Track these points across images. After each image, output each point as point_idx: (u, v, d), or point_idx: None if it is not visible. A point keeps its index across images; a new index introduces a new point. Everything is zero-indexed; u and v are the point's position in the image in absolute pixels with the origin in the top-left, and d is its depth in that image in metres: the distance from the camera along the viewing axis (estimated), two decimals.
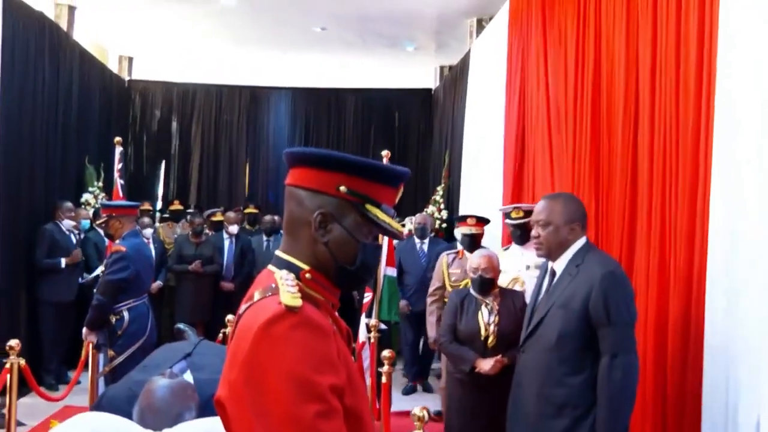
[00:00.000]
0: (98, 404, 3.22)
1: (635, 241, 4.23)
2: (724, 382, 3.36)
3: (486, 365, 4.26)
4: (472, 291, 4.56)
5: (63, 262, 7.85)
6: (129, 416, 2.86)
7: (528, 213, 5.90)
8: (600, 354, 3.20)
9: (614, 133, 4.59)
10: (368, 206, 1.71)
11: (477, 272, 4.50)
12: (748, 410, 3.11)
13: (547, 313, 3.38)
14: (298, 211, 1.73)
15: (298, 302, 1.57)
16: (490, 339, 4.35)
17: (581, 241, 3.40)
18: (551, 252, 3.42)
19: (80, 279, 8.18)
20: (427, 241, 8.48)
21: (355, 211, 1.71)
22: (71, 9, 9.69)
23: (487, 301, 4.46)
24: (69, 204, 8.20)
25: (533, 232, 3.47)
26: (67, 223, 8.05)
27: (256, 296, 1.67)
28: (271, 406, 1.51)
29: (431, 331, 6.26)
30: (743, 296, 3.17)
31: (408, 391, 8.26)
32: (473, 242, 6.35)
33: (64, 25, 9.42)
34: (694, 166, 3.65)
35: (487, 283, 4.48)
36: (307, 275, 1.71)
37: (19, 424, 6.22)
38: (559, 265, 3.42)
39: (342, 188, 1.68)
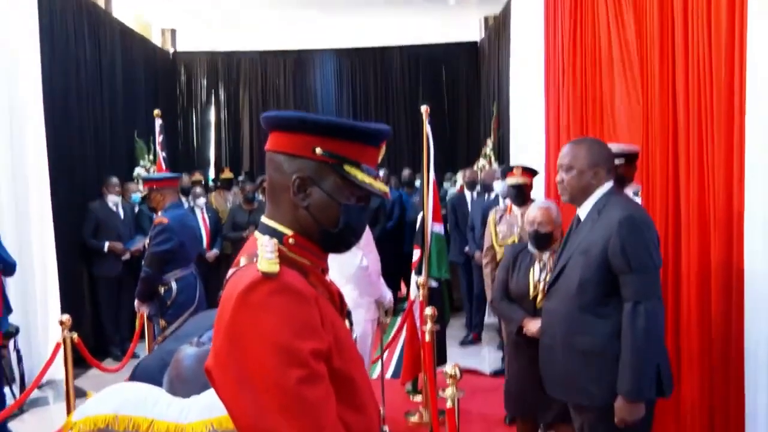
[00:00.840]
0: (133, 374, 3.28)
1: (679, 185, 4.08)
2: (765, 328, 3.30)
3: (533, 326, 3.97)
4: (529, 246, 4.28)
5: (106, 246, 7.86)
6: (161, 385, 2.91)
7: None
8: (623, 301, 3.11)
9: (653, 76, 4.42)
10: (347, 167, 1.67)
11: (533, 225, 4.19)
12: None
13: (569, 260, 3.30)
14: (277, 176, 1.71)
15: (275, 268, 1.56)
16: (539, 298, 4.08)
17: (606, 187, 3.28)
18: (574, 197, 3.32)
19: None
20: (475, 193, 8.55)
21: (334, 173, 1.67)
22: None
23: (543, 258, 4.17)
24: (115, 179, 8.19)
25: (557, 177, 3.37)
26: (112, 199, 8.04)
27: (242, 263, 1.67)
28: (254, 374, 1.51)
29: (489, 292, 6.14)
30: None
31: (465, 342, 8.35)
32: (520, 194, 5.96)
33: (102, 3, 9.48)
34: (728, 101, 3.53)
35: (542, 238, 4.16)
36: (291, 240, 1.69)
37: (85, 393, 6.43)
38: (583, 210, 3.32)
39: (318, 150, 1.65)
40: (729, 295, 3.59)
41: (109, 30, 9.39)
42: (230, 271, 1.70)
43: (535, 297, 4.13)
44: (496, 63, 10.82)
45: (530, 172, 6.06)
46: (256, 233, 1.75)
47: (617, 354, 3.11)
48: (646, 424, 3.23)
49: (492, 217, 6.20)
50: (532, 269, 4.19)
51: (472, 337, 8.40)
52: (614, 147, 4.44)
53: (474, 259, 7.85)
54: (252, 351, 1.52)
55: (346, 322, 1.82)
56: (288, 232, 1.70)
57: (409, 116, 13.20)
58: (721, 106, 3.60)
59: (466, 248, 8.22)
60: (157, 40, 12.37)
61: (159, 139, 8.41)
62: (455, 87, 13.35)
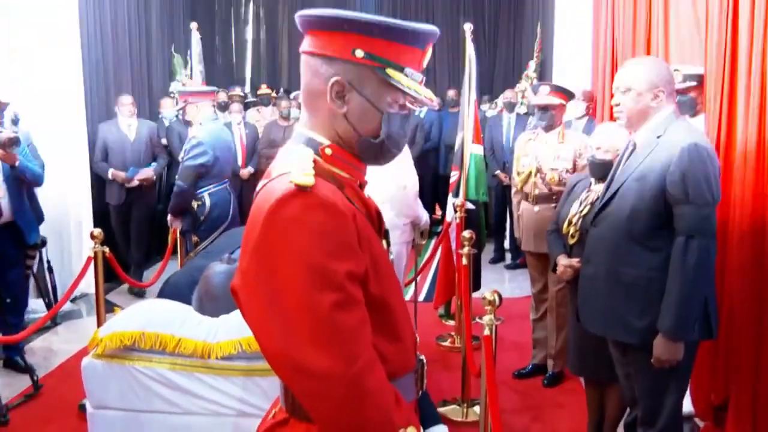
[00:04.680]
0: (162, 290, 3.21)
1: (736, 118, 3.83)
2: None
3: (560, 266, 3.76)
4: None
5: (110, 173, 7.39)
6: (190, 302, 2.83)
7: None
8: (675, 234, 2.93)
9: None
10: (389, 71, 1.52)
11: (592, 149, 3.75)
12: None
13: (622, 186, 3.10)
14: (313, 81, 1.56)
15: (309, 180, 1.42)
16: (571, 233, 3.77)
17: (666, 111, 3.04)
18: (632, 121, 3.09)
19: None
20: (514, 116, 8.38)
21: (375, 77, 1.52)
22: None
23: (595, 188, 3.70)
24: (127, 97, 7.56)
25: (613, 100, 3.14)
26: (124, 121, 7.47)
27: (273, 174, 1.53)
28: (285, 296, 1.39)
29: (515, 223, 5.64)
30: None
31: (511, 266, 8.47)
32: (546, 116, 5.10)
33: None
34: None
35: (599, 166, 3.68)
36: (327, 150, 1.56)
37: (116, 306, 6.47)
38: (640, 136, 3.10)
39: (358, 52, 1.50)
40: None
41: None
42: (260, 183, 1.56)
43: (568, 233, 3.82)
44: None
45: (562, 92, 5.20)
46: (290, 143, 1.61)
47: (663, 289, 2.94)
48: (685, 368, 3.08)
49: (519, 141, 5.44)
50: (576, 201, 3.84)
51: (520, 262, 8.29)
52: (686, 69, 4.20)
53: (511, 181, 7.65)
54: (282, 271, 1.39)
55: (384, 243, 1.69)
56: (324, 141, 1.57)
57: (450, 32, 12.80)
58: None
59: (497, 171, 8.05)
60: None
61: (197, 50, 8.22)
62: (497, 6, 12.95)
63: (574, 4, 7.66)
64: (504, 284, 7.81)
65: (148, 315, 2.74)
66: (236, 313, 2.68)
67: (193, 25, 8.34)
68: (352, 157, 1.59)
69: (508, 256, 8.82)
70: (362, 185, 1.66)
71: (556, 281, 4.75)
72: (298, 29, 1.60)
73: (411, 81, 1.54)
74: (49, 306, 5.92)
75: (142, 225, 7.77)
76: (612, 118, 3.24)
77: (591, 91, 6.80)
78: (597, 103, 6.53)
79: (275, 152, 5.82)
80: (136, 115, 7.69)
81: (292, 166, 1.46)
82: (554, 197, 4.95)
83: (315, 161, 1.50)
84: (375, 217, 1.66)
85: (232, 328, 2.60)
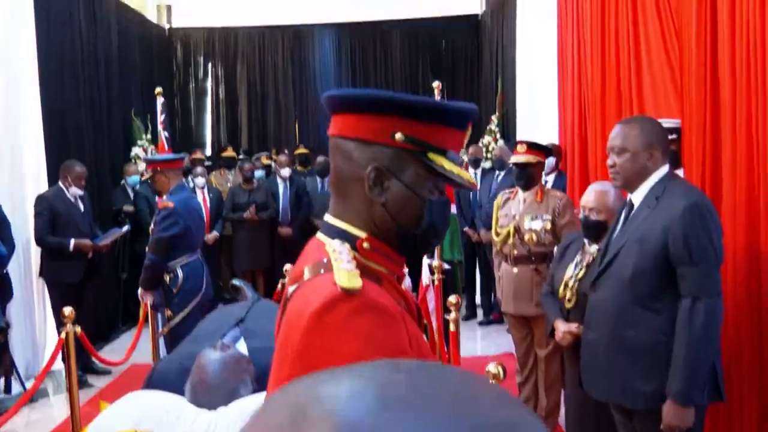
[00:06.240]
0: (149, 380, 3.03)
1: (720, 173, 3.81)
2: None
3: (559, 332, 3.66)
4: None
5: (71, 244, 6.38)
6: (181, 392, 2.67)
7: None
8: (679, 295, 2.87)
9: (687, 47, 4.12)
10: (431, 155, 1.40)
11: (584, 210, 3.68)
12: None
13: (622, 247, 3.03)
14: (346, 166, 1.44)
15: (357, 283, 1.29)
16: (568, 297, 3.71)
17: (663, 170, 3.02)
18: (629, 182, 3.06)
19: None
20: (479, 171, 8.38)
21: (415, 162, 1.41)
22: None
23: (590, 250, 3.67)
24: (80, 168, 6.65)
25: (608, 161, 3.09)
26: (74, 191, 6.58)
27: (307, 274, 1.39)
28: None
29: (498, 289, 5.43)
30: None
31: (484, 323, 8.26)
32: (526, 175, 4.98)
33: None
34: None
35: (593, 226, 3.64)
36: (365, 244, 1.43)
37: (88, 385, 6.23)
38: (638, 196, 3.06)
39: (398, 135, 1.38)
40: None
41: (104, 5, 9.02)
42: (290, 287, 1.42)
43: (565, 297, 3.73)
44: (499, 37, 10.55)
45: (540, 150, 5.14)
46: (321, 236, 1.48)
47: (669, 352, 2.87)
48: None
49: (497, 200, 5.29)
50: (571, 263, 3.77)
51: (493, 317, 8.19)
52: (665, 123, 4.15)
53: (480, 237, 7.57)
54: None
55: (424, 337, 1.57)
56: (361, 234, 1.44)
57: (410, 92, 12.87)
58: None
59: (465, 228, 7.98)
60: (152, 16, 12.00)
61: (161, 118, 8.11)
62: (455, 62, 13.04)
63: (536, 58, 7.71)
64: (477, 342, 7.70)
65: (140, 410, 2.56)
66: (235, 405, 2.52)
67: (158, 91, 8.21)
68: (390, 249, 1.46)
69: (480, 312, 8.71)
70: (400, 278, 1.53)
71: (543, 345, 4.68)
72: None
73: (453, 165, 1.43)
74: (7, 386, 5.66)
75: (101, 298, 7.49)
76: (606, 177, 3.19)
77: (558, 146, 6.78)
78: (567, 156, 6.53)
79: (240, 216, 5.71)
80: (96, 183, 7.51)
81: (334, 266, 1.33)
82: (533, 258, 4.88)
83: (354, 257, 1.38)
84: (415, 311, 1.53)
85: (231, 423, 2.45)
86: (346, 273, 1.31)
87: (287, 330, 1.35)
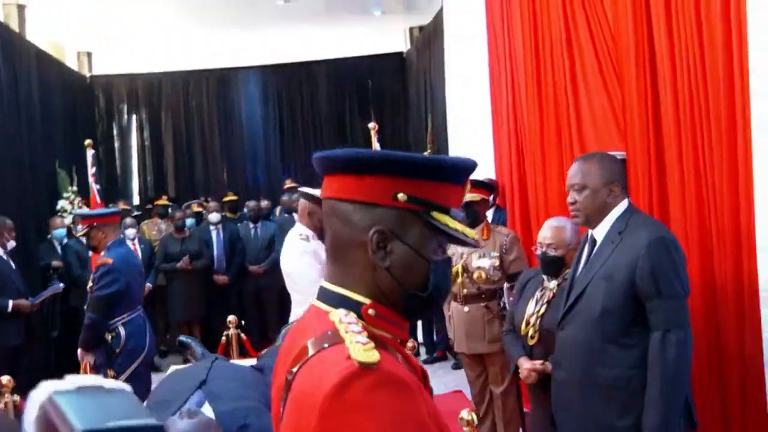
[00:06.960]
0: None
1: (667, 203, 3.84)
2: None
3: (523, 369, 3.66)
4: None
5: (10, 305, 6.12)
6: None
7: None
8: (649, 330, 2.88)
9: (627, 80, 4.17)
10: (434, 213, 1.35)
11: (542, 247, 3.68)
12: None
13: (588, 284, 3.04)
14: (345, 230, 1.37)
15: (374, 356, 1.21)
16: (530, 334, 3.70)
17: (623, 205, 3.05)
18: (590, 218, 3.07)
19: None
20: None
21: (419, 223, 1.35)
22: (21, 8, 9.12)
23: (549, 285, 3.69)
24: (8, 221, 6.50)
25: (569, 198, 3.10)
26: (11, 245, 6.40)
27: (311, 349, 1.29)
28: None
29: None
30: None
31: (428, 361, 8.18)
32: (471, 213, 4.95)
33: (15, 26, 8.89)
34: (729, 104, 3.29)
35: (551, 262, 3.67)
36: (370, 311, 1.35)
37: None
38: (600, 231, 3.07)
39: (401, 196, 1.32)
40: (741, 317, 3.34)
41: (24, 54, 8.77)
42: (293, 363, 1.32)
43: (527, 335, 3.72)
44: (427, 74, 10.64)
45: (483, 187, 5.22)
46: (320, 304, 1.39)
47: (642, 386, 2.87)
48: None
49: None
50: (531, 300, 3.76)
51: (437, 355, 8.22)
52: None
53: None
54: None
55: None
56: (365, 300, 1.36)
57: (337, 131, 12.91)
58: (719, 108, 3.36)
59: None
60: (72, 63, 11.74)
61: (92, 171, 7.85)
62: (382, 99, 13.12)
63: (468, 94, 7.74)
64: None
65: None
66: None
67: (88, 143, 7.97)
68: (395, 314, 1.39)
69: (422, 350, 8.63)
70: (403, 342, 1.46)
71: (499, 382, 4.65)
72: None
73: (457, 223, 1.37)
74: None
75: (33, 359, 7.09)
76: (548, 211, 3.19)
77: (495, 180, 6.81)
78: (506, 192, 6.55)
79: (173, 266, 5.50)
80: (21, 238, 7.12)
81: (346, 339, 1.25)
82: (483, 296, 4.86)
83: (363, 327, 1.30)
84: (422, 376, 1.45)
85: None
86: (361, 347, 1.23)
87: (297, 413, 1.26)
